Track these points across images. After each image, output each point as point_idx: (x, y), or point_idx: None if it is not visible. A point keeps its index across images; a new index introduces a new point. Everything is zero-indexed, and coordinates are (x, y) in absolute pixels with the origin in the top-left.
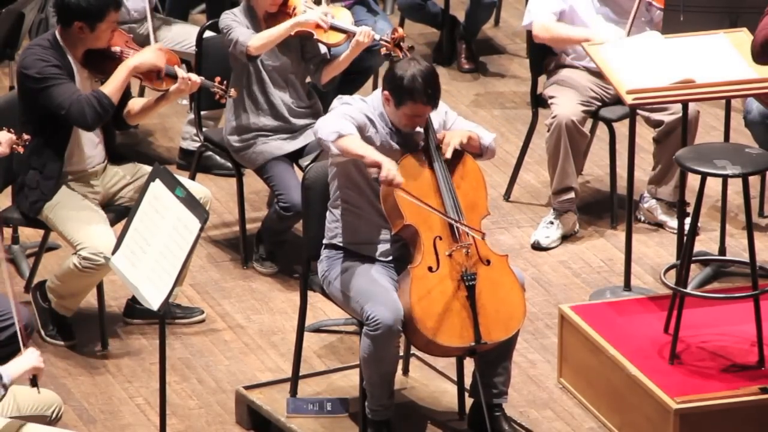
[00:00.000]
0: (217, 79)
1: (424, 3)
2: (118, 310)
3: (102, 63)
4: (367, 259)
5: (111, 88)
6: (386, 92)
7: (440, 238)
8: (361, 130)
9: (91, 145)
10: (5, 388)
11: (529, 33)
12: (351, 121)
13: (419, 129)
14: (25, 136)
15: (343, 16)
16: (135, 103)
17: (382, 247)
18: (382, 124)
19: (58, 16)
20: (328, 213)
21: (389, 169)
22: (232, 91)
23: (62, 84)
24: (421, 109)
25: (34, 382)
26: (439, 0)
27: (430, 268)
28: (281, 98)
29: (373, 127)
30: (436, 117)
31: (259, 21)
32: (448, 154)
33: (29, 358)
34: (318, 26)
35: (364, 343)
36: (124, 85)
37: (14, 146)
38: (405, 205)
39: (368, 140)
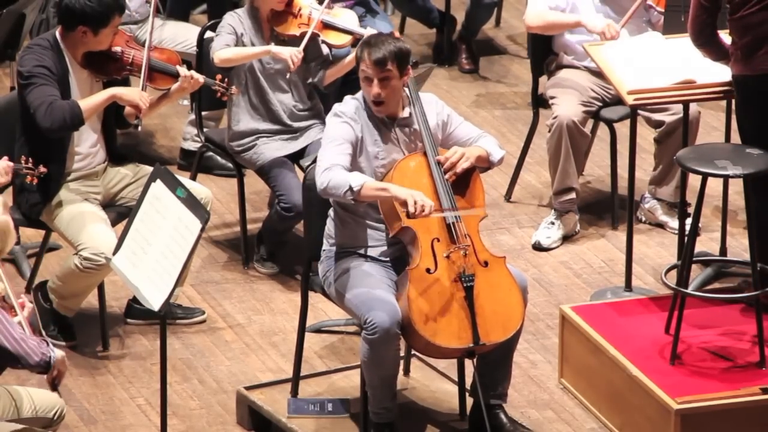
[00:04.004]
0: (219, 77)
1: None
2: (119, 311)
3: (103, 64)
4: (367, 258)
5: (87, 105)
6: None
7: (438, 240)
8: (354, 148)
9: (91, 145)
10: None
11: (530, 34)
12: (345, 153)
13: (416, 126)
14: (42, 169)
15: (348, 18)
16: None
17: (381, 248)
18: (370, 115)
19: (61, 19)
20: (327, 219)
21: (415, 201)
22: (234, 89)
23: (44, 85)
24: (365, 65)
25: (54, 386)
26: (440, 1)
27: (428, 270)
28: (281, 101)
29: (361, 142)
30: (434, 116)
31: (262, 21)
32: (461, 167)
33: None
34: (324, 26)
35: (363, 347)
36: (100, 107)
37: (28, 177)
38: (402, 210)
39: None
